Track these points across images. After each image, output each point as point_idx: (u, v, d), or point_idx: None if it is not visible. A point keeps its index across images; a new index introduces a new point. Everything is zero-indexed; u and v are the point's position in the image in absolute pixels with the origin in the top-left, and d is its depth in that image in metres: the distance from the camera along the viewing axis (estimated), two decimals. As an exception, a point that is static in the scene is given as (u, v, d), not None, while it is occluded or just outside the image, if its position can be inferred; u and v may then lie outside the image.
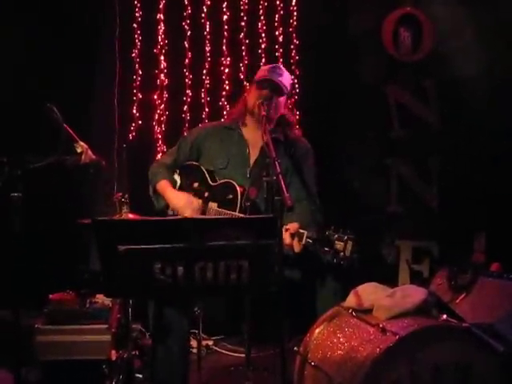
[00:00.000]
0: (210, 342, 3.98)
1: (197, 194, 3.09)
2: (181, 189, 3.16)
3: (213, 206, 3.04)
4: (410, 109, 4.59)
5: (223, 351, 3.92)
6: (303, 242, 2.69)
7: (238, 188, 2.99)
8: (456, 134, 4.42)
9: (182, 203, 3.03)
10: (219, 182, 3.09)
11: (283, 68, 3.17)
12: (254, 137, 3.15)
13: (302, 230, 2.72)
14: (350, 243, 2.55)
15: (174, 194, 3.09)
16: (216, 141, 3.19)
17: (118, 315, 3.17)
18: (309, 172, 3.15)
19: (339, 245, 2.57)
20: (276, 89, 3.04)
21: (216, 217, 2.92)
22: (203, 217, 2.92)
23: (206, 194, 3.08)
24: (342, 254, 2.56)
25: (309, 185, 3.11)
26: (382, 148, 4.58)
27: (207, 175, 3.12)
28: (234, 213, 2.95)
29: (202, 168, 3.14)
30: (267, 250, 2.19)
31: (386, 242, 4.57)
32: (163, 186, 3.13)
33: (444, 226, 4.42)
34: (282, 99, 3.10)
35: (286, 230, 2.71)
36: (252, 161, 3.15)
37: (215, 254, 2.15)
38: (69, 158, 2.71)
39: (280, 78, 3.06)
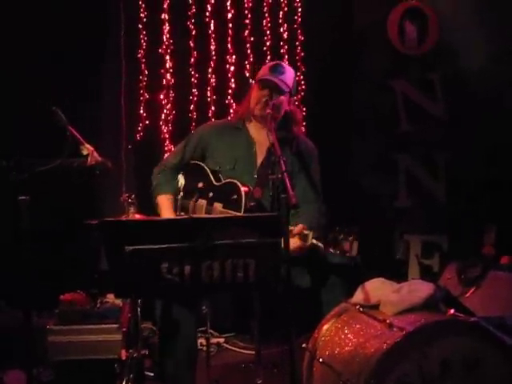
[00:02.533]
0: (221, 340, 4.00)
1: (201, 194, 3.07)
2: (185, 189, 3.13)
3: (218, 206, 3.01)
4: (416, 103, 4.57)
5: (234, 348, 3.94)
6: (308, 242, 2.69)
7: (241, 188, 2.96)
8: (463, 127, 4.40)
9: None
10: (223, 182, 3.06)
11: (285, 65, 3.13)
12: (260, 136, 3.11)
13: (306, 231, 2.70)
14: (355, 243, 2.53)
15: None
16: (222, 141, 3.14)
17: (129, 315, 3.19)
18: (314, 174, 3.14)
19: (345, 245, 2.56)
20: (276, 88, 3.00)
21: (222, 215, 2.91)
22: (209, 216, 2.92)
23: (211, 195, 3.04)
24: (347, 254, 2.54)
25: (314, 186, 3.09)
26: (389, 143, 4.56)
27: (211, 175, 3.09)
28: (238, 213, 2.91)
29: (206, 168, 3.11)
30: (273, 247, 2.20)
31: (395, 237, 4.56)
32: (161, 202, 3.13)
33: (453, 220, 4.41)
34: (284, 97, 3.04)
35: (291, 231, 2.68)
36: (259, 161, 3.11)
37: (221, 252, 2.17)
38: (75, 161, 2.73)
39: (281, 77, 3.01)
